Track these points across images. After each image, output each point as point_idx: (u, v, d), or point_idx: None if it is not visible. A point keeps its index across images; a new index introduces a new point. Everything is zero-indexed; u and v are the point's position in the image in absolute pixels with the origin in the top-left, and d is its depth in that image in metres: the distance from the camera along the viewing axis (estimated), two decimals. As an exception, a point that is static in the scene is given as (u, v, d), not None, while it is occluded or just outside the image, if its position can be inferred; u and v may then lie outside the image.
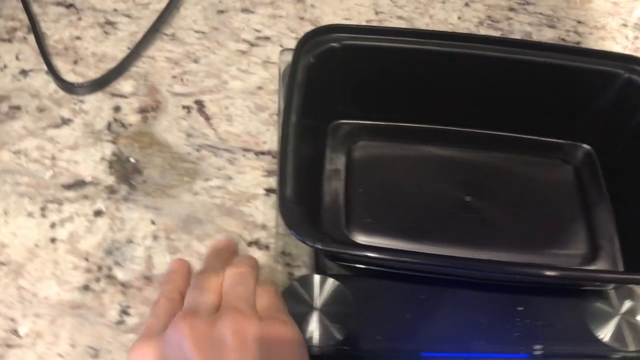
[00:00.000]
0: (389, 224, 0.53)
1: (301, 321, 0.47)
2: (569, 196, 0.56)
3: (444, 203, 0.54)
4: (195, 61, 0.67)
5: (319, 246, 0.42)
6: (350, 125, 0.58)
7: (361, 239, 0.52)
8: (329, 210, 0.53)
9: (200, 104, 0.63)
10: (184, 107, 0.63)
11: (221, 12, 0.72)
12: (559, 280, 0.45)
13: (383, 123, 0.59)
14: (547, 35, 0.75)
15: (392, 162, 0.57)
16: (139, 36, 0.67)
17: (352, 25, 0.52)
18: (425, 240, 0.52)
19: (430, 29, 0.73)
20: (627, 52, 0.75)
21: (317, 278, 0.49)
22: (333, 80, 0.54)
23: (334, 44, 0.51)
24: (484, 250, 0.52)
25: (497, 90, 0.54)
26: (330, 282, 0.49)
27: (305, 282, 0.49)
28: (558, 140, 0.59)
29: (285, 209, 0.42)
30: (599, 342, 0.49)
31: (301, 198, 0.45)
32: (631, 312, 0.51)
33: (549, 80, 0.53)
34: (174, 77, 0.65)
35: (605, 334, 0.50)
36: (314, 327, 0.48)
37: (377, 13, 0.74)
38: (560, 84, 0.53)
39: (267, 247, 0.54)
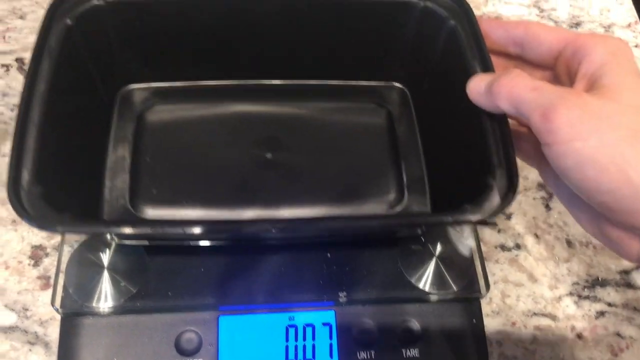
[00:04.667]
0: (178, 193, 0.48)
1: (93, 283, 0.45)
2: (380, 140, 0.53)
3: (242, 163, 0.50)
4: (21, 17, 0.63)
5: (59, 229, 0.37)
6: (143, 90, 0.53)
7: (150, 213, 0.48)
8: (113, 185, 0.49)
9: (21, 62, 0.60)
10: (2, 65, 0.59)
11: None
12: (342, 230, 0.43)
13: (179, 83, 0.54)
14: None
15: (187, 125, 0.52)
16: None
17: None
18: (220, 205, 0.48)
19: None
20: (492, -13, 0.72)
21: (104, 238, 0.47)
22: (107, 43, 0.48)
23: (96, 2, 0.45)
24: (288, 206, 0.49)
25: (294, 36, 0.50)
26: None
27: (92, 244, 0.46)
28: (370, 83, 0.56)
29: (14, 191, 0.36)
30: (410, 285, 0.47)
31: (57, 175, 0.40)
32: (443, 254, 0.48)
33: (346, 19, 0.49)
34: (-4, 35, 0.61)
35: (417, 277, 0.47)
36: (105, 285, 0.45)
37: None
38: (359, 21, 0.49)
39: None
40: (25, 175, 0.36)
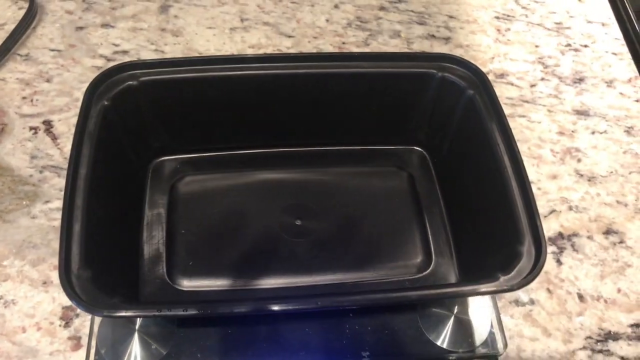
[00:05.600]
0: (213, 264, 0.51)
1: (124, 345, 0.46)
2: (404, 203, 0.55)
3: (273, 232, 0.52)
4: (48, 80, 0.65)
5: (106, 314, 0.40)
6: (174, 161, 0.56)
7: (186, 284, 0.50)
8: (150, 258, 0.51)
9: (48, 124, 0.62)
10: (31, 128, 0.62)
11: (80, 28, 0.71)
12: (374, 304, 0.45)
13: (207, 154, 0.57)
14: (416, 33, 0.74)
15: (217, 194, 0.55)
16: (-10, 58, 0.65)
17: (147, 60, 0.49)
18: (253, 274, 0.51)
19: (295, 34, 0.72)
20: (498, 44, 0.75)
21: (135, 299, 0.48)
22: (140, 119, 0.51)
23: (131, 82, 0.48)
24: (319, 273, 0.51)
25: (318, 105, 0.53)
26: (149, 302, 0.48)
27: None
28: (391, 147, 0.59)
29: (66, 278, 0.38)
30: (431, 343, 0.49)
31: (101, 256, 0.42)
32: (461, 313, 0.50)
33: (368, 89, 0.52)
34: (24, 98, 0.64)
35: (437, 335, 0.49)
36: (136, 347, 0.47)
37: (242, 20, 0.74)
38: (380, 91, 0.52)
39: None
40: (75, 261, 0.39)
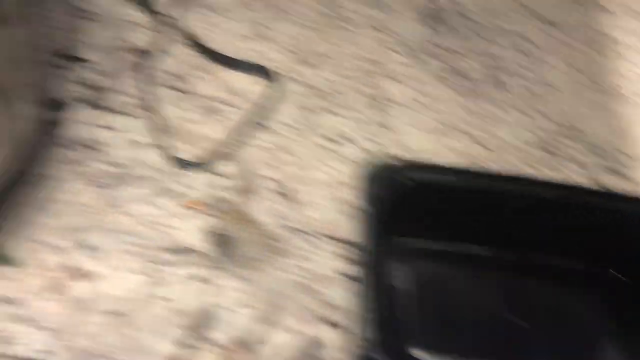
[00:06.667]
0: (448, 343, 0.61)
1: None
2: (598, 321, 0.65)
3: (496, 324, 0.62)
4: (287, 151, 0.75)
5: None
6: (420, 248, 0.66)
7: (418, 354, 0.59)
8: (394, 327, 0.60)
9: (291, 191, 0.71)
10: (275, 191, 0.71)
11: (311, 111, 0.81)
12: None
13: (448, 247, 0.67)
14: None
15: (453, 283, 0.65)
16: (239, 124, 0.76)
17: (424, 164, 0.62)
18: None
19: (492, 147, 0.82)
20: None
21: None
22: (403, 211, 0.61)
23: (406, 182, 0.60)
24: None
25: (550, 225, 0.64)
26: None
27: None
28: (591, 267, 0.68)
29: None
30: None
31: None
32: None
33: (583, 217, 0.63)
34: (268, 164, 0.74)
35: None
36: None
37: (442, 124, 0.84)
38: (594, 220, 0.63)
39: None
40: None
